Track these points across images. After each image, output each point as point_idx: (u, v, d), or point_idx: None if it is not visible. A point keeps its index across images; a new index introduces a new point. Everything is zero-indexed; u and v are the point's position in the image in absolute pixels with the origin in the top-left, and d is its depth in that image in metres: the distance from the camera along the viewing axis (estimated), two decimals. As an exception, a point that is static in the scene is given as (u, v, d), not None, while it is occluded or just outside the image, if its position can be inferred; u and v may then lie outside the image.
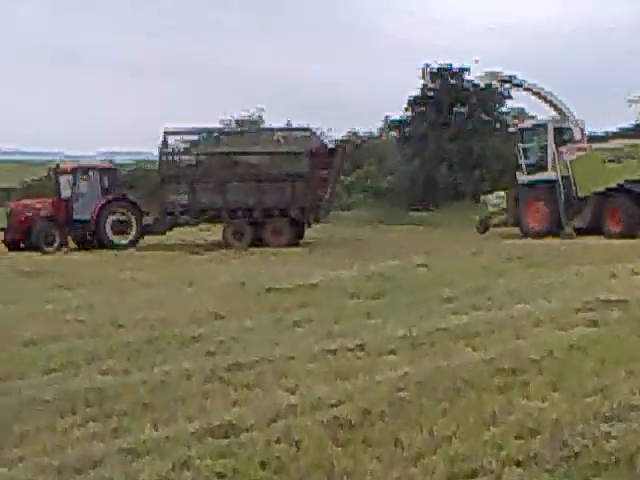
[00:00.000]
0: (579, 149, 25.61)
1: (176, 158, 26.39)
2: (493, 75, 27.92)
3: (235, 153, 26.61)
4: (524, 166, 26.75)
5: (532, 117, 44.01)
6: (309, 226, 27.07)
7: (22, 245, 24.78)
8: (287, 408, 6.96)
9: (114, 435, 6.46)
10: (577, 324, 10.25)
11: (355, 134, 48.26)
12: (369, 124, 51.97)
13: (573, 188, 25.04)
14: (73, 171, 25.89)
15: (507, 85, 30.05)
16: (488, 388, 7.39)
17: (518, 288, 13.69)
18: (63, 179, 25.84)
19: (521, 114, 44.35)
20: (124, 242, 25.08)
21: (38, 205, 25.74)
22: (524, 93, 28.31)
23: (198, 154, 26.46)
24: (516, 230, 26.84)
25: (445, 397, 7.13)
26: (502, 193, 27.97)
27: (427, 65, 41.02)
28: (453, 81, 41.83)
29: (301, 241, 26.57)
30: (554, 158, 25.43)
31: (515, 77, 27.59)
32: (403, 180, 40.53)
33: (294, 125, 48.64)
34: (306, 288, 14.42)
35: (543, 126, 26.46)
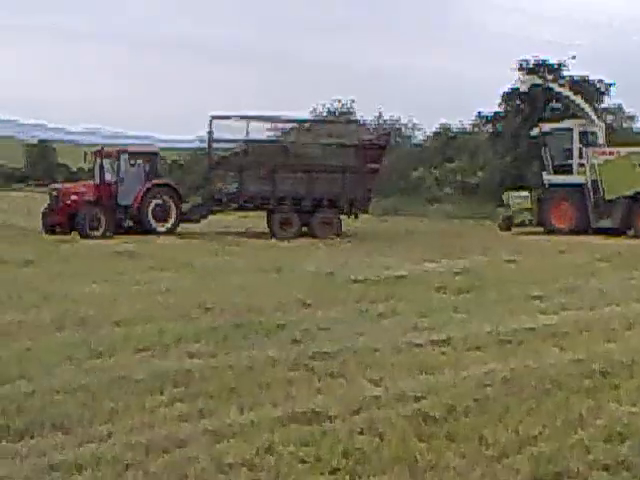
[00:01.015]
0: (606, 153, 26.27)
1: (226, 145, 26.33)
2: (531, 80, 29.22)
3: (284, 142, 26.58)
4: (550, 168, 27.47)
5: (631, 117, 43.17)
6: (356, 217, 26.98)
7: (58, 229, 24.55)
8: (371, 399, 6.97)
9: (200, 416, 6.57)
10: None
11: (448, 129, 47.75)
12: (462, 118, 51.17)
13: (600, 191, 25.80)
14: (118, 155, 25.51)
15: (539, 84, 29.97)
16: (576, 390, 7.27)
17: (609, 289, 13.41)
18: (107, 163, 25.64)
19: (619, 111, 43.38)
20: (164, 229, 24.96)
21: (82, 189, 25.57)
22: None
23: (248, 142, 25.96)
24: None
25: (532, 396, 7.04)
26: (525, 193, 28.66)
27: (523, 62, 40.34)
28: (550, 77, 41.05)
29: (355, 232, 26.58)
30: (580, 161, 26.31)
31: (547, 81, 29.00)
32: (494, 176, 40.02)
33: (385, 117, 48.72)
34: (393, 280, 14.40)
35: (569, 130, 27.13)
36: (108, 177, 25.27)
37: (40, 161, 51.24)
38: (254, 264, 17.15)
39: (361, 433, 6.13)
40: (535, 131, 29.35)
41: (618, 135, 39.03)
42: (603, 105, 42.45)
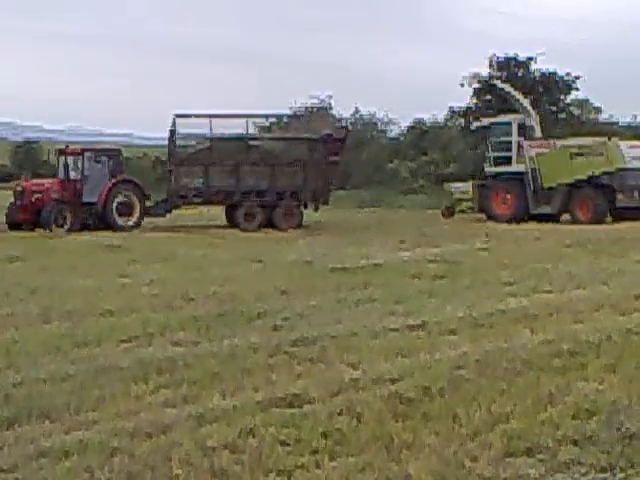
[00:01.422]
0: (543, 145, 28.17)
1: (190, 142, 26.69)
2: (476, 77, 31.06)
3: (249, 138, 26.89)
4: (491, 160, 28.98)
5: (597, 108, 44.08)
6: (316, 210, 27.57)
7: (23, 225, 24.40)
8: (349, 382, 7.19)
9: (184, 402, 6.77)
10: (636, 310, 10.29)
11: (421, 123, 48.30)
12: (435, 112, 51.87)
13: (539, 180, 27.50)
14: (82, 153, 25.64)
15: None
16: (546, 369, 7.52)
17: (577, 273, 13.73)
18: (71, 161, 25.63)
19: (585, 103, 44.08)
20: (128, 224, 25.02)
21: (47, 186, 25.53)
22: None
23: (212, 139, 26.38)
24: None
25: (503, 377, 7.28)
26: (466, 183, 30.39)
27: (493, 58, 41.03)
28: (520, 72, 41.73)
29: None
30: (519, 152, 28.04)
31: (491, 77, 30.92)
32: (466, 167, 40.54)
33: (362, 112, 49.15)
34: (370, 268, 14.66)
35: (508, 123, 28.66)
36: (72, 175, 25.35)
37: (25, 160, 51.23)
38: (236, 255, 17.36)
39: (340, 414, 6.33)
40: (475, 125, 30.98)
41: (584, 126, 39.89)
42: (571, 97, 43.22)
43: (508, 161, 28.29)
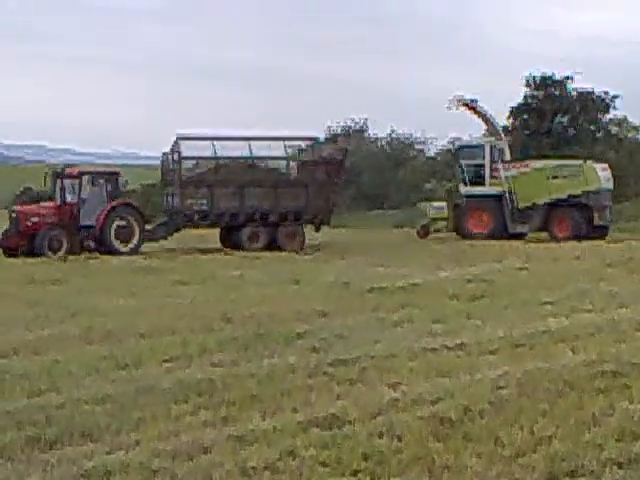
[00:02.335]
0: (517, 166, 29.57)
1: (193, 163, 26.61)
2: (460, 100, 30.96)
3: (253, 158, 26.90)
4: (466, 180, 29.96)
5: (636, 127, 43.97)
6: (317, 230, 27.63)
7: (19, 251, 23.39)
8: (389, 403, 7.16)
9: (224, 423, 6.78)
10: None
11: (453, 142, 48.30)
12: (471, 132, 51.70)
13: (515, 200, 28.83)
14: (79, 176, 24.94)
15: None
16: (588, 390, 7.44)
17: (619, 292, 13.58)
18: (67, 184, 24.74)
19: (623, 122, 43.85)
20: (126, 249, 24.24)
21: (42, 211, 24.70)
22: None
23: (217, 159, 26.31)
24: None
25: (545, 397, 7.21)
26: (442, 203, 31.24)
27: (530, 78, 41.15)
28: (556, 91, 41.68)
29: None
30: (492, 174, 29.29)
31: (475, 101, 30.84)
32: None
33: (399, 132, 49.30)
34: (407, 289, 14.64)
35: (480, 146, 30.01)
36: (69, 198, 24.65)
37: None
38: (273, 276, 17.41)
39: (380, 436, 6.31)
40: (451, 147, 32.58)
41: (623, 145, 39.72)
42: (609, 116, 43.02)
43: (481, 182, 29.44)
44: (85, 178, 24.93)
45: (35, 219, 24.13)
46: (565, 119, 41.10)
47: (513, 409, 6.90)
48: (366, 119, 50.57)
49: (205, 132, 27.60)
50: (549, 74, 41.84)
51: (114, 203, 24.68)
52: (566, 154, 33.47)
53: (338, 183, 27.75)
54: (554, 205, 28.50)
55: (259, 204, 26.04)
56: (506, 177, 29.00)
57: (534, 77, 41.85)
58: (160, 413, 7.07)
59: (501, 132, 31.44)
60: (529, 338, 9.86)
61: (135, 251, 24.31)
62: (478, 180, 29.54)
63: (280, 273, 17.94)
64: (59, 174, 25.14)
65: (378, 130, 52.91)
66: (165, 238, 26.07)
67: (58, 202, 24.71)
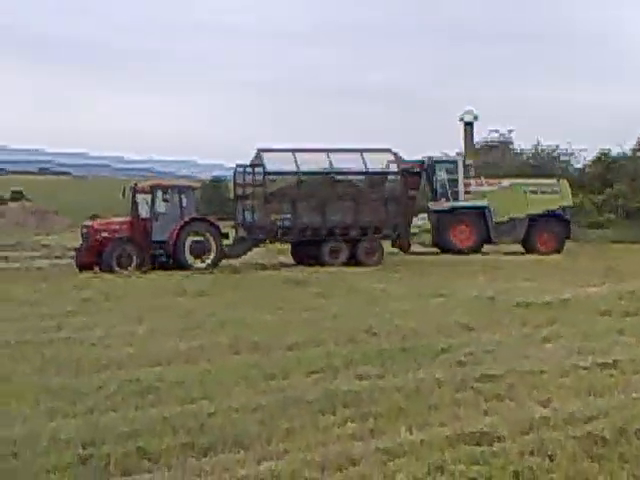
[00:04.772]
0: (488, 183, 30.84)
1: (276, 178, 26.08)
2: (471, 113, 32.75)
3: (335, 172, 26.47)
4: (448, 194, 30.49)
5: None
6: (394, 245, 27.28)
7: (95, 268, 23.19)
8: (540, 421, 7.02)
9: (371, 435, 6.82)
10: None
11: (607, 154, 46.74)
12: (621, 144, 49.87)
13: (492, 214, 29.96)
14: (152, 190, 24.47)
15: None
16: None
17: None
18: (141, 198, 24.35)
19: None
20: (202, 265, 23.64)
21: (115, 226, 24.27)
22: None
23: (299, 173, 25.81)
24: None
25: None
26: (424, 215, 32.33)
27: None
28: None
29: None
30: (467, 189, 30.38)
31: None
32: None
33: (543, 145, 48.30)
34: (556, 304, 14.30)
35: (454, 162, 31.06)
36: (143, 213, 24.39)
37: (214, 197, 52.48)
38: (415, 289, 17.35)
39: (531, 454, 6.19)
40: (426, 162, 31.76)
41: None
42: None
43: (455, 197, 30.26)
44: (158, 192, 24.55)
45: (105, 234, 23.91)
46: None
47: (672, 430, 6.63)
48: (510, 131, 49.78)
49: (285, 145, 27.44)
50: None
51: (188, 218, 24.26)
52: None
53: (416, 197, 27.71)
54: (536, 218, 29.94)
55: (341, 218, 25.81)
56: (482, 192, 30.35)
57: None
58: (308, 424, 7.17)
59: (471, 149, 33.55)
60: (688, 357, 9.45)
61: (213, 267, 23.81)
62: (453, 195, 30.45)
63: (423, 287, 17.86)
64: (132, 188, 24.95)
65: (523, 142, 51.95)
66: (245, 254, 25.73)
67: (132, 216, 24.59)
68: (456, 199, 30.26)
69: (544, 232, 29.93)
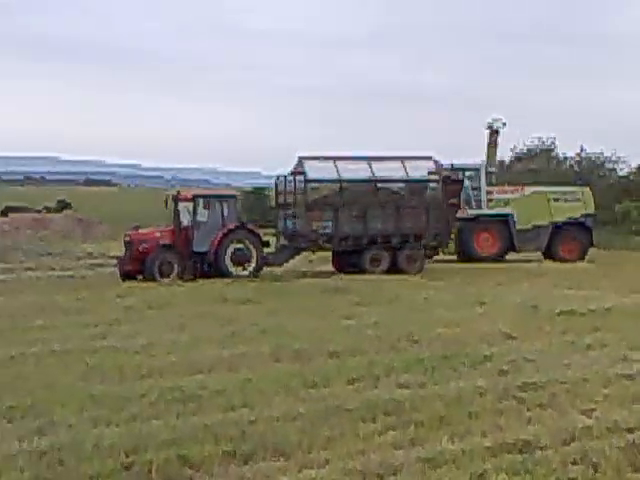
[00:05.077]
0: (511, 191, 30.71)
1: (317, 186, 25.80)
2: (497, 121, 31.95)
3: (376, 180, 26.34)
4: (472, 202, 30.11)
5: None
6: (437, 254, 26.94)
7: (138, 277, 23.31)
8: (583, 430, 6.97)
9: (412, 444, 6.82)
10: None
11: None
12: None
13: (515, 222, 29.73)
14: (194, 199, 24.50)
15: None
16: None
17: None
18: (182, 207, 24.32)
19: None
20: (244, 273, 23.60)
21: (157, 234, 24.34)
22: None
23: (340, 181, 25.55)
24: None
25: None
26: None
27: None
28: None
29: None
30: (489, 197, 30.03)
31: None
32: None
33: (588, 151, 47.86)
34: (599, 312, 14.16)
35: (477, 170, 30.28)
36: (185, 221, 24.39)
37: (256, 206, 51.94)
38: (458, 298, 17.25)
39: (574, 463, 6.15)
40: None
41: None
42: None
43: (479, 204, 30.04)
44: (200, 201, 24.65)
45: (146, 244, 24.00)
46: None
47: None
48: (554, 138, 49.39)
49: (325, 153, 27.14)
50: None
51: (230, 226, 24.31)
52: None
53: (456, 204, 27.28)
54: (560, 226, 29.73)
55: (382, 227, 25.65)
56: (506, 200, 30.16)
57: None
58: (349, 432, 7.19)
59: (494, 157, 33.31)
60: None
61: (255, 275, 23.93)
62: (476, 202, 30.20)
63: (465, 295, 17.75)
64: (174, 197, 24.95)
65: (567, 149, 51.48)
66: (287, 262, 25.71)
67: (173, 225, 24.64)
68: (479, 207, 30.11)
69: (567, 240, 29.82)
